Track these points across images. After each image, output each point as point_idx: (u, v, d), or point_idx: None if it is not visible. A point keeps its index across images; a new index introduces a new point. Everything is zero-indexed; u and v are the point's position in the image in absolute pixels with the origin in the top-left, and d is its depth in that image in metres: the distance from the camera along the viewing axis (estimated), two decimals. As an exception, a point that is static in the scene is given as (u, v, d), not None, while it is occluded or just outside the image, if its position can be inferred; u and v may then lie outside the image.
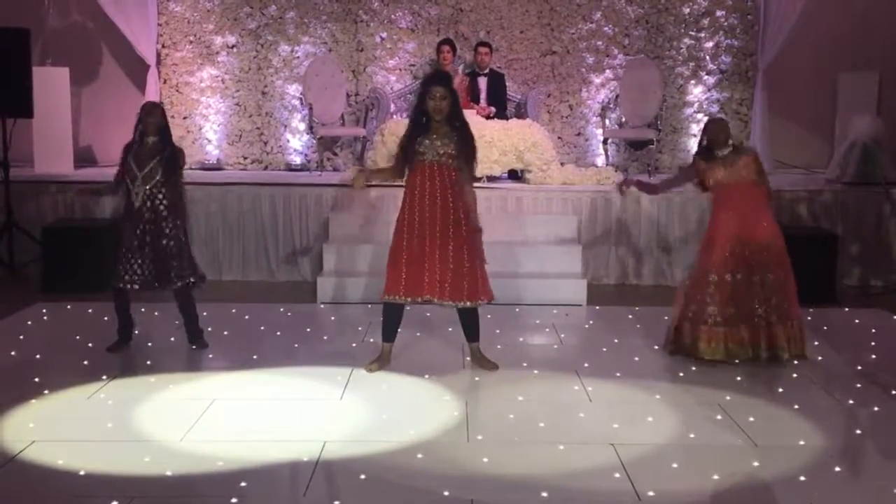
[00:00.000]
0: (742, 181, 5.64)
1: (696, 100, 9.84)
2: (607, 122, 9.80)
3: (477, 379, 5.38)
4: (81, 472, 3.97)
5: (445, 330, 6.21)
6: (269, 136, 9.85)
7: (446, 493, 3.80)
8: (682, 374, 5.46)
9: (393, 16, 9.75)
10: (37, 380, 5.20)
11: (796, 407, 4.87)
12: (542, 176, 8.30)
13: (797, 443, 4.39)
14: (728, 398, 4.99)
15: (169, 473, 3.99)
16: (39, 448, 4.24)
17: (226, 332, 6.26)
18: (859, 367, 5.60)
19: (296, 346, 6.03)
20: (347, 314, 6.96)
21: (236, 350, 5.89)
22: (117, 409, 4.77)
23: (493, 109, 8.95)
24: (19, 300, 7.08)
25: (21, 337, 6.15)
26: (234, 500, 3.70)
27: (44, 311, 6.88)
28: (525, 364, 5.64)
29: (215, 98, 9.84)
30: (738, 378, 5.35)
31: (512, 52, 9.77)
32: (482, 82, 9.17)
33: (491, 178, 8.26)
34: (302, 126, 9.74)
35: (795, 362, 5.61)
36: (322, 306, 7.23)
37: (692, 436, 4.49)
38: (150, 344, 6.00)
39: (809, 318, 6.32)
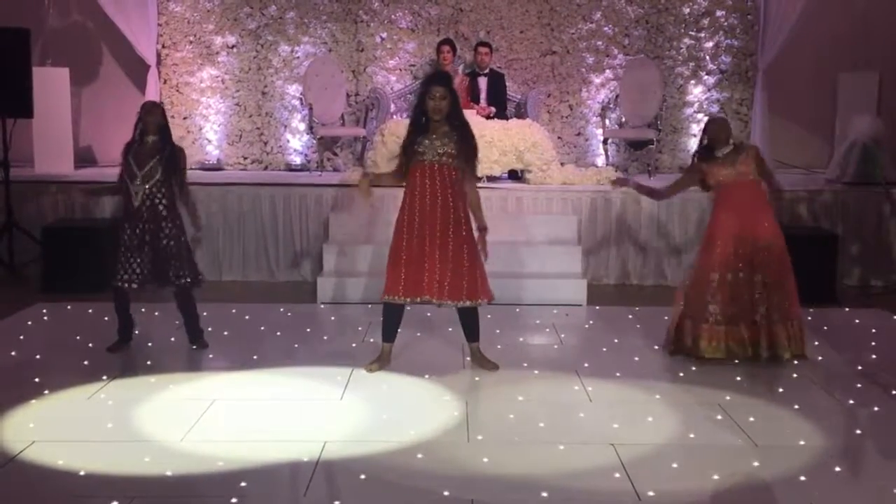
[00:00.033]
0: (744, 180, 5.64)
1: (696, 100, 9.84)
2: (607, 122, 9.80)
3: (477, 379, 5.38)
4: (81, 473, 3.97)
5: (445, 330, 6.22)
6: (269, 136, 9.85)
7: (446, 494, 3.80)
8: (682, 374, 5.46)
9: (393, 16, 9.75)
10: (37, 380, 5.20)
11: (796, 407, 4.87)
12: (542, 176, 8.31)
13: (797, 443, 4.39)
14: (728, 398, 4.99)
15: (169, 473, 3.99)
16: (40, 448, 4.24)
17: (226, 333, 6.26)
18: (859, 367, 5.61)
19: (296, 346, 6.03)
20: (347, 314, 6.96)
21: (236, 350, 5.90)
22: (117, 410, 4.77)
23: (493, 109, 8.95)
24: (19, 300, 7.08)
25: (21, 337, 6.15)
26: (234, 500, 3.70)
27: (44, 311, 6.88)
28: (525, 364, 5.64)
29: (215, 98, 9.85)
30: (738, 378, 5.35)
31: (512, 52, 9.77)
32: (482, 82, 9.17)
33: (491, 178, 8.26)
34: (302, 126, 9.74)
35: (795, 362, 5.62)
36: (322, 306, 7.23)
37: (692, 436, 4.49)
38: (150, 344, 6.00)
39: (809, 318, 6.32)
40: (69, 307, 6.93)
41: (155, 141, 5.62)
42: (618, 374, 5.43)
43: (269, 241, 8.14)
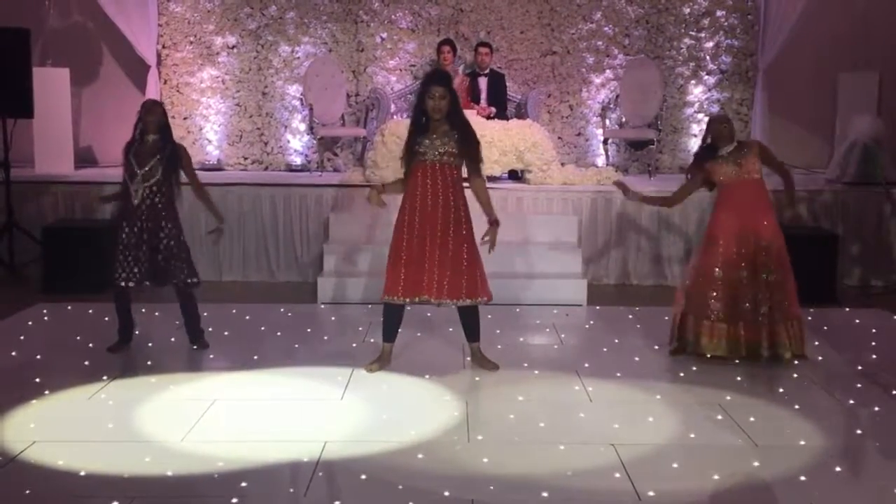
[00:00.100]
0: (747, 179, 5.64)
1: (697, 100, 9.84)
2: (607, 122, 9.80)
3: (477, 379, 5.38)
4: (82, 473, 3.98)
5: (445, 330, 6.22)
6: (270, 136, 9.85)
7: (446, 494, 3.80)
8: (682, 374, 5.46)
9: (393, 16, 9.76)
10: (37, 380, 5.20)
11: (796, 407, 4.87)
12: (542, 176, 8.31)
13: (797, 443, 4.40)
14: (728, 398, 4.99)
15: (169, 474, 3.99)
16: (40, 448, 4.24)
17: (226, 333, 6.26)
18: (859, 367, 5.61)
19: (296, 346, 6.03)
20: (348, 314, 6.96)
21: (237, 350, 5.90)
22: (118, 410, 4.77)
23: (493, 110, 8.95)
24: (20, 300, 7.09)
25: (21, 337, 6.15)
26: (234, 500, 3.71)
27: (44, 311, 6.88)
28: (525, 364, 5.64)
29: (216, 98, 9.85)
30: (738, 378, 5.35)
31: (512, 53, 9.77)
32: (482, 82, 9.17)
33: (491, 179, 8.24)
34: (302, 126, 9.74)
35: (795, 362, 5.62)
36: (322, 306, 7.23)
37: (692, 436, 4.49)
38: (150, 344, 6.00)
39: (810, 318, 6.31)
40: (69, 307, 6.93)
41: (156, 140, 5.61)
42: (618, 374, 5.43)
43: (270, 241, 8.14)
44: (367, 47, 9.78)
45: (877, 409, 4.91)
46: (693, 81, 9.82)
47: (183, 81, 9.83)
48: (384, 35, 9.77)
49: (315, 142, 9.44)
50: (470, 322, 5.49)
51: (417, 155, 5.27)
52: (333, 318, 6.95)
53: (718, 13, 9.74)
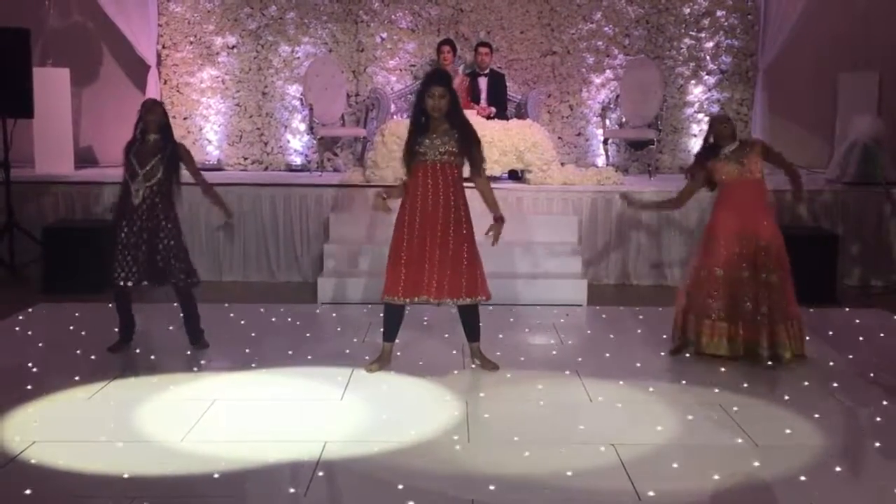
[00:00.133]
0: (748, 179, 5.64)
1: (697, 100, 9.85)
2: (608, 122, 9.80)
3: (477, 379, 5.38)
4: (82, 473, 3.98)
5: (445, 330, 6.22)
6: (270, 136, 9.86)
7: (447, 494, 3.80)
8: (682, 374, 5.46)
9: (393, 16, 9.76)
10: (37, 380, 5.20)
11: (796, 407, 4.87)
12: (542, 176, 8.30)
13: (797, 443, 4.40)
14: (728, 398, 4.99)
15: (169, 474, 3.99)
16: (40, 448, 4.24)
17: (226, 333, 6.25)
18: (859, 368, 5.61)
19: (296, 346, 6.03)
20: (348, 314, 6.96)
21: (237, 350, 5.89)
22: (118, 410, 4.77)
23: (493, 110, 8.95)
24: (20, 300, 7.09)
25: (21, 337, 6.16)
26: (234, 500, 3.70)
27: (44, 311, 6.88)
28: (525, 364, 5.64)
29: (216, 99, 9.85)
30: (738, 378, 5.35)
31: (512, 53, 9.77)
32: (482, 82, 9.17)
33: (491, 179, 8.20)
34: (302, 126, 9.74)
35: (796, 362, 5.61)
36: (322, 307, 7.23)
37: (692, 436, 4.49)
38: (150, 344, 6.00)
39: (810, 318, 6.31)
40: (69, 307, 6.93)
41: (156, 139, 5.61)
42: (618, 374, 5.43)
43: (270, 241, 8.14)
44: (367, 47, 9.78)
45: (877, 409, 4.91)
46: (693, 81, 9.83)
47: (183, 81, 9.84)
48: (384, 35, 9.78)
49: (315, 142, 9.44)
50: (470, 321, 5.49)
51: (418, 155, 5.27)
52: (333, 318, 6.95)
53: (718, 13, 9.74)
